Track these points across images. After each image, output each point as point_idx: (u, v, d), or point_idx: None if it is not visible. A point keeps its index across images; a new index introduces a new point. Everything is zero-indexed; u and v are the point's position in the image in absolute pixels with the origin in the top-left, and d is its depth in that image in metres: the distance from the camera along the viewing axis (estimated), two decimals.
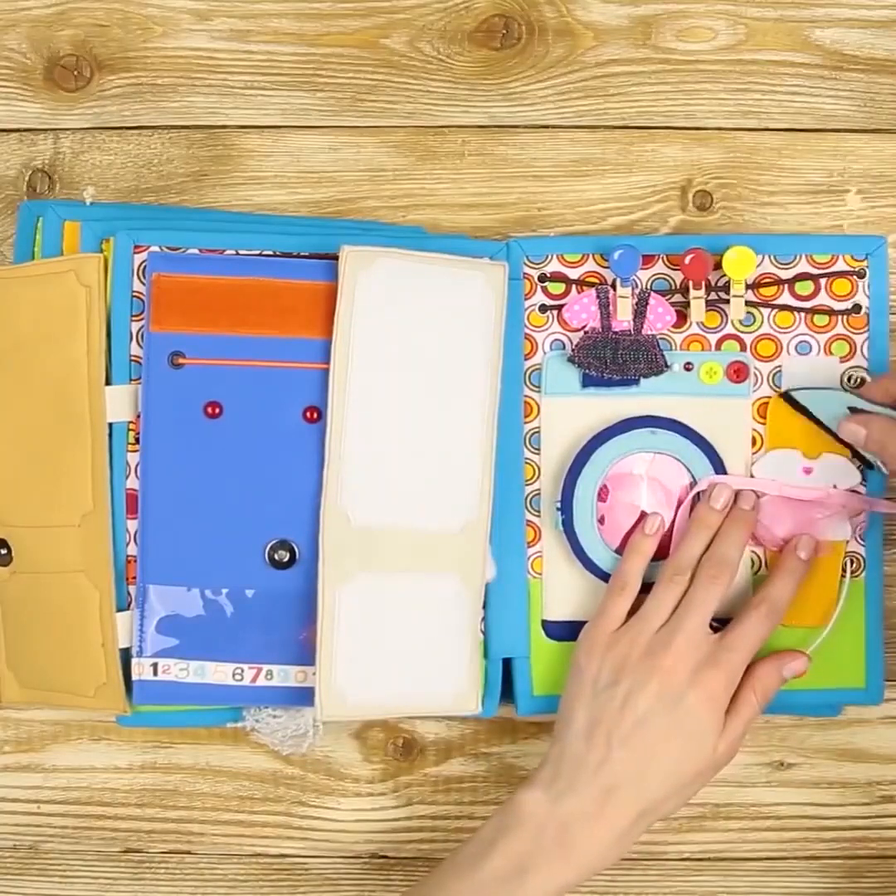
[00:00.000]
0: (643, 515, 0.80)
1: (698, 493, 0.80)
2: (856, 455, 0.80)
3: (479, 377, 0.78)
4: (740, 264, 0.78)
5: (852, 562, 0.81)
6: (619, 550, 0.80)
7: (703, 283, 0.79)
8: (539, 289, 0.81)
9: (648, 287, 0.80)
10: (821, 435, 0.80)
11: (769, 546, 0.81)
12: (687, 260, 0.78)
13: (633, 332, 0.80)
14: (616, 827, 0.74)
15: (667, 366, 0.80)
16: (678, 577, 0.78)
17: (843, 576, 0.81)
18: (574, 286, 0.81)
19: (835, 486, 0.80)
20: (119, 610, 0.78)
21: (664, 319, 0.80)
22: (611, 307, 0.80)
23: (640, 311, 0.80)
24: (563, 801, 0.74)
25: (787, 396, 0.80)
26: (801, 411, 0.80)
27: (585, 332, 0.80)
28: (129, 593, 0.79)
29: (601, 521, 0.80)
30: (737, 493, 0.80)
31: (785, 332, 0.81)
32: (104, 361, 0.77)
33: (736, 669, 0.76)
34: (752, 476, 0.80)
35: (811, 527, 0.80)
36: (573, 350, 0.80)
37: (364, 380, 0.77)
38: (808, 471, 0.80)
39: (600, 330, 0.80)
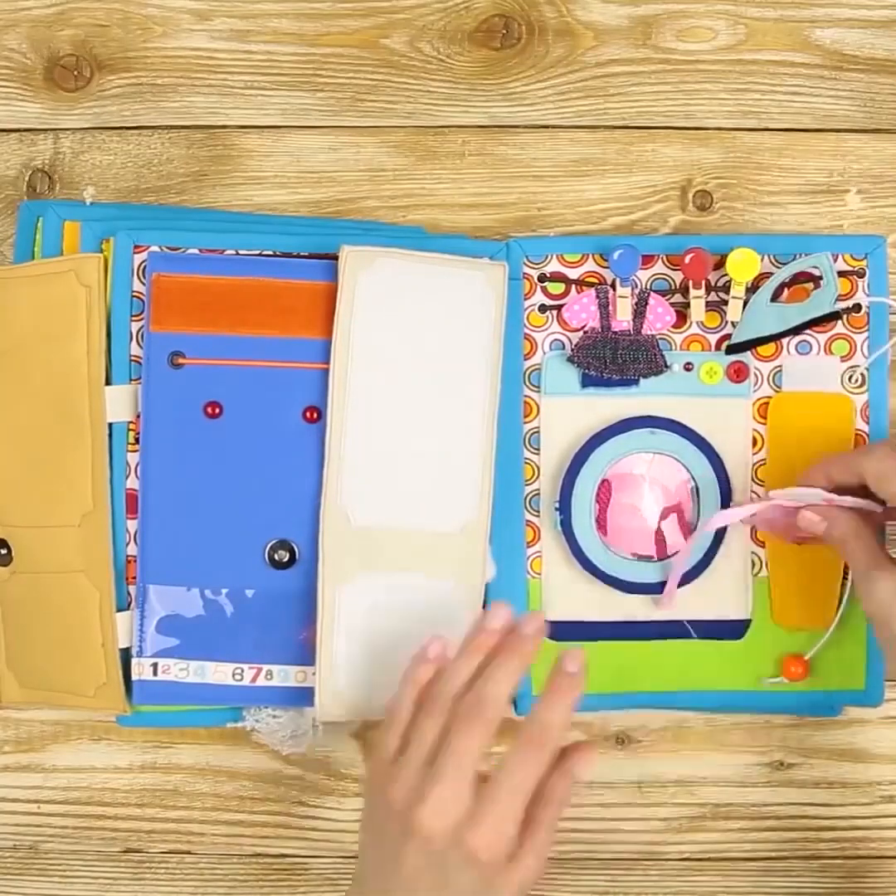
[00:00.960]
0: (429, 642, 0.73)
1: (697, 496, 0.80)
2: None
3: (479, 377, 0.78)
4: (744, 266, 0.78)
5: None
6: (618, 551, 0.80)
7: (703, 283, 0.79)
8: (539, 289, 0.81)
9: (648, 287, 0.80)
10: (821, 437, 0.80)
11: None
12: (687, 259, 0.78)
13: (632, 332, 0.80)
14: None
15: (666, 366, 0.80)
16: (435, 709, 0.70)
17: (844, 578, 0.81)
18: (574, 286, 0.81)
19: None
20: (119, 610, 0.78)
21: (664, 319, 0.80)
22: (610, 307, 0.80)
23: (639, 311, 0.80)
24: None
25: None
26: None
27: (585, 332, 0.80)
28: (129, 593, 0.79)
29: (600, 521, 0.80)
30: (521, 621, 0.72)
31: None
32: (104, 361, 0.78)
33: (504, 815, 0.67)
34: (756, 495, 0.80)
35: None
36: (573, 350, 0.80)
37: (364, 380, 0.77)
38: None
39: (600, 330, 0.80)
